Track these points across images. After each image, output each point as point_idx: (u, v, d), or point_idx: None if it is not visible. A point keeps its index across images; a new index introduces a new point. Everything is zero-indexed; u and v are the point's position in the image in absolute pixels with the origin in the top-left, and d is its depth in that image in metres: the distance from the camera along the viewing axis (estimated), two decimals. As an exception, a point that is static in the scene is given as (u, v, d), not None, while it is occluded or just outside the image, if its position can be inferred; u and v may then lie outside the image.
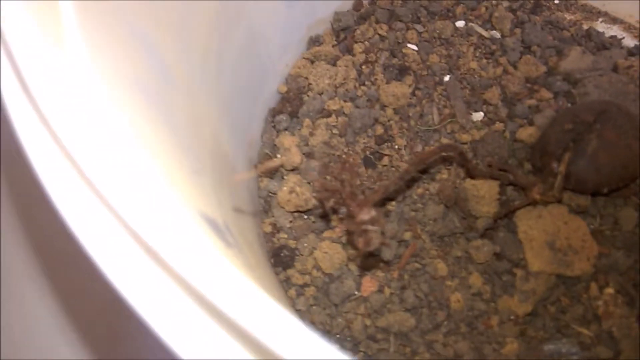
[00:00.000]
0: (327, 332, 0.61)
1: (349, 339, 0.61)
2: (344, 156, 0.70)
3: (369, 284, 0.63)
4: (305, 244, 0.65)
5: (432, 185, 0.67)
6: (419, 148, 0.71)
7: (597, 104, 0.64)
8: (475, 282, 0.63)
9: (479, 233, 0.65)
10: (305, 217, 0.67)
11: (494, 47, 0.77)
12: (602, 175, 0.61)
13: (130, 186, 0.24)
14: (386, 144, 0.71)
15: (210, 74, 0.55)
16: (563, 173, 0.61)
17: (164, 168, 0.34)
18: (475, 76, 0.74)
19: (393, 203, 0.66)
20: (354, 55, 0.76)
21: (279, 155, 0.68)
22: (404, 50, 0.76)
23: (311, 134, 0.70)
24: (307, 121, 0.71)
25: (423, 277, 0.63)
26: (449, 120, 0.71)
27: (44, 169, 0.23)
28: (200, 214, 0.34)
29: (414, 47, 0.77)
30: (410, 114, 0.72)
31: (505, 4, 0.82)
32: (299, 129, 0.71)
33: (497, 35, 0.78)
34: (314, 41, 0.79)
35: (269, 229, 0.67)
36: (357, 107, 0.72)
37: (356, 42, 0.77)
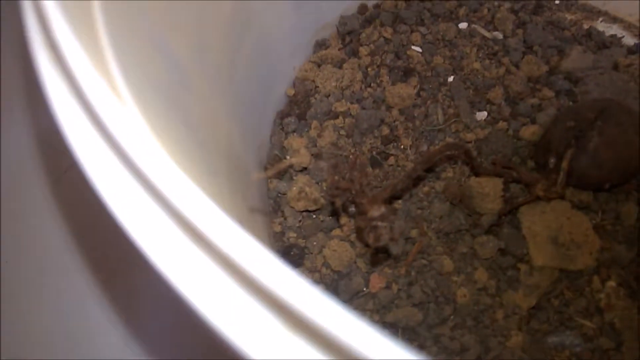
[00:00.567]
0: (338, 327, 0.63)
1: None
2: (351, 156, 0.71)
3: (377, 281, 0.64)
4: (315, 243, 0.67)
5: (438, 184, 0.69)
6: (424, 148, 0.72)
7: (598, 101, 0.66)
8: (480, 277, 0.64)
9: (483, 229, 0.66)
10: (314, 216, 0.69)
11: (496, 47, 0.79)
12: (604, 171, 0.63)
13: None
14: (392, 144, 0.72)
15: (224, 77, 0.57)
16: (566, 170, 0.63)
17: (183, 168, 0.36)
18: (479, 76, 0.76)
19: (400, 201, 0.68)
20: (359, 57, 0.78)
21: (287, 157, 0.70)
22: (408, 52, 0.78)
23: (319, 136, 0.72)
24: (315, 123, 0.73)
25: (430, 273, 0.65)
26: (454, 120, 0.73)
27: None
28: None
29: (418, 49, 0.78)
30: (416, 115, 0.74)
31: (507, 5, 0.83)
32: (307, 131, 0.73)
33: (500, 36, 0.80)
34: (321, 45, 0.81)
35: (278, 228, 0.69)
36: (363, 108, 0.74)
37: (362, 45, 0.79)
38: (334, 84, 0.75)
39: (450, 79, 0.76)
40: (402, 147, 0.73)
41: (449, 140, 0.72)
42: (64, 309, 0.74)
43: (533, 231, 0.64)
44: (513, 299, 0.63)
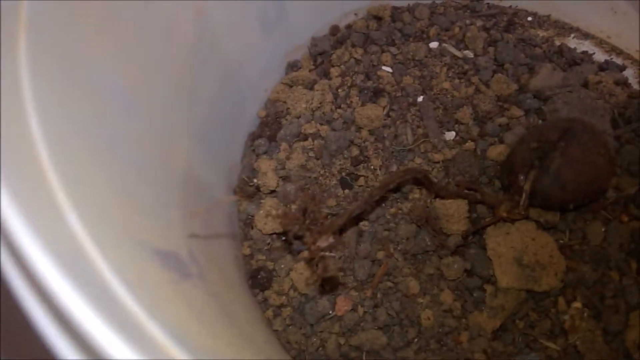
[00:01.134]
0: (302, 351, 0.63)
1: (323, 358, 0.63)
2: (320, 178, 0.72)
3: (343, 303, 0.65)
4: (283, 266, 0.67)
5: (405, 205, 0.69)
6: (394, 168, 0.73)
7: (562, 122, 0.66)
8: (446, 299, 0.65)
9: (450, 250, 0.66)
10: (283, 239, 0.69)
11: (466, 66, 0.79)
12: (567, 192, 0.63)
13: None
14: (362, 164, 0.73)
15: (184, 106, 0.58)
16: (528, 191, 0.63)
17: (120, 208, 0.37)
18: (448, 96, 0.76)
19: (366, 223, 0.69)
20: (330, 78, 0.79)
21: (255, 180, 0.71)
22: (378, 73, 0.79)
23: (288, 158, 0.72)
24: (284, 145, 0.73)
25: (395, 295, 0.65)
26: (422, 140, 0.74)
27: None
28: (153, 251, 0.36)
29: (389, 69, 0.79)
30: (385, 135, 0.74)
31: (479, 23, 0.84)
32: (277, 153, 0.73)
33: (470, 54, 0.80)
34: (292, 66, 0.81)
35: (247, 251, 0.69)
36: (333, 129, 0.74)
37: (333, 66, 0.80)
38: (304, 105, 0.76)
39: (420, 99, 0.76)
40: (372, 167, 0.73)
41: (418, 160, 0.72)
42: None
43: (498, 252, 0.65)
44: (478, 320, 0.63)
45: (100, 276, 0.25)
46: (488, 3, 0.87)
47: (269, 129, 0.76)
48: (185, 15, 0.55)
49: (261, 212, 0.68)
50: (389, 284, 0.66)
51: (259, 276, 0.67)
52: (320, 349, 0.63)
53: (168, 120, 0.52)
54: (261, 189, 0.71)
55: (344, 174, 0.72)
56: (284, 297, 0.66)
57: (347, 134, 0.73)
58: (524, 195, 0.63)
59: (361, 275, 0.65)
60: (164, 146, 0.50)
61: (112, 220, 0.31)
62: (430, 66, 0.79)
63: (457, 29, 0.83)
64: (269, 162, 0.72)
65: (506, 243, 0.65)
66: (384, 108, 0.76)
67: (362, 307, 0.64)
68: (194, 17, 0.56)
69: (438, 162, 0.72)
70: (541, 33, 0.85)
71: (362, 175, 0.72)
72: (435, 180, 0.70)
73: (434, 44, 0.81)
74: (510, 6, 0.87)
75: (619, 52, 0.82)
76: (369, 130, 0.74)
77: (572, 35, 0.85)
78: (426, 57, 0.80)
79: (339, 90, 0.78)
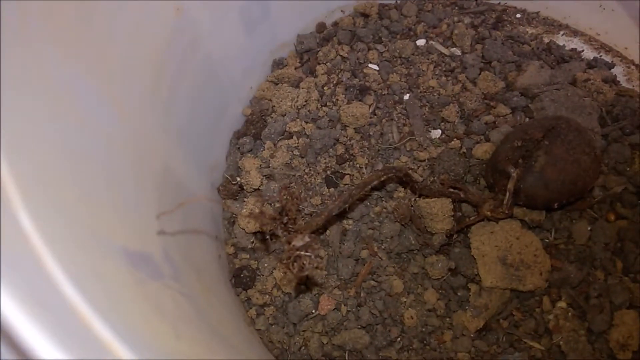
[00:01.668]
0: (285, 351, 0.63)
1: (305, 357, 0.62)
2: (305, 177, 0.71)
3: (326, 302, 0.64)
4: (266, 265, 0.67)
5: (390, 203, 0.69)
6: (379, 166, 0.72)
7: (547, 120, 0.65)
8: (430, 298, 0.64)
9: (434, 249, 0.66)
10: (267, 237, 0.69)
11: (453, 64, 0.78)
12: (551, 191, 0.62)
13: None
14: (347, 163, 0.72)
15: (161, 106, 0.57)
16: (512, 190, 0.62)
17: (85, 208, 0.36)
18: (435, 94, 0.76)
19: (350, 222, 0.68)
20: (316, 76, 0.78)
21: (238, 178, 0.70)
22: (365, 70, 0.78)
23: (272, 156, 0.72)
24: (268, 143, 0.73)
25: (379, 294, 0.64)
26: (408, 138, 0.73)
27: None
28: (121, 251, 0.36)
29: (375, 67, 0.78)
30: (371, 133, 0.74)
31: (467, 20, 0.83)
32: (262, 151, 0.73)
33: (458, 52, 0.80)
34: (278, 64, 0.81)
35: (231, 250, 0.69)
36: (318, 127, 0.73)
37: (319, 64, 0.79)
38: (289, 103, 0.75)
39: (406, 96, 0.76)
40: (357, 165, 0.73)
41: (404, 158, 0.72)
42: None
43: (482, 251, 0.64)
44: (462, 320, 0.63)
45: (46, 275, 0.24)
46: (477, 0, 0.86)
47: (254, 127, 0.76)
48: (163, 13, 0.54)
49: (244, 211, 0.67)
50: (373, 283, 0.65)
51: (242, 275, 0.66)
52: (303, 348, 0.63)
53: (143, 121, 0.52)
54: (245, 188, 0.70)
55: (329, 172, 0.72)
56: (267, 296, 0.66)
57: (333, 132, 0.73)
58: (507, 194, 0.62)
59: (345, 274, 0.65)
60: (138, 147, 0.50)
61: (71, 220, 0.31)
62: (417, 64, 0.78)
63: (444, 26, 0.82)
64: (253, 161, 0.71)
65: (490, 242, 0.64)
66: (370, 106, 0.75)
67: (345, 306, 0.64)
68: (172, 15, 0.56)
69: (423, 161, 0.71)
70: (530, 30, 0.84)
71: (348, 174, 0.72)
72: (421, 178, 0.70)
73: (421, 42, 0.81)
74: (499, 3, 0.87)
75: (608, 50, 0.82)
76: (354, 129, 0.74)
77: (562, 32, 0.84)
78: (413, 54, 0.79)
79: (325, 88, 0.77)
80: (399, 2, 0.85)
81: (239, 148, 0.75)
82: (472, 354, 0.62)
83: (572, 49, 0.81)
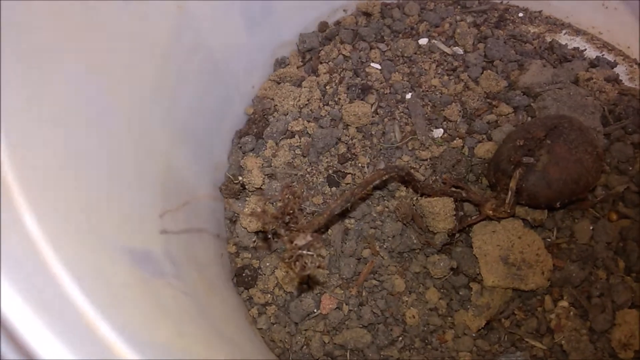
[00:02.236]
0: (286, 350, 0.63)
1: (307, 356, 0.62)
2: (307, 176, 0.71)
3: (328, 302, 0.64)
4: (268, 264, 0.67)
5: (391, 203, 0.69)
6: (381, 165, 0.72)
7: (549, 119, 0.65)
8: (431, 297, 0.64)
9: (436, 248, 0.66)
10: (269, 236, 0.69)
11: (456, 63, 0.78)
12: (553, 190, 0.62)
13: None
14: (349, 162, 0.72)
15: (164, 104, 0.57)
16: (514, 189, 0.62)
17: (94, 207, 0.36)
18: (437, 93, 0.76)
19: (352, 221, 0.68)
20: (318, 75, 0.78)
21: (240, 178, 0.70)
22: (367, 70, 0.78)
23: (274, 155, 0.72)
24: (270, 142, 0.73)
25: (380, 293, 0.65)
26: (410, 137, 0.73)
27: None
28: (123, 249, 0.36)
29: (377, 66, 0.78)
30: (373, 132, 0.74)
31: (470, 19, 0.83)
32: (264, 150, 0.73)
33: (460, 51, 0.80)
34: (281, 63, 0.81)
35: (233, 249, 0.69)
36: (320, 127, 0.73)
37: (321, 63, 0.79)
38: (291, 102, 0.75)
39: (408, 95, 0.76)
40: (359, 165, 0.72)
41: (406, 157, 0.72)
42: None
43: (483, 250, 0.64)
44: (464, 319, 0.63)
45: (48, 273, 0.24)
46: (479, -1, 0.86)
47: (256, 126, 0.76)
48: (165, 12, 0.54)
49: (246, 210, 0.67)
50: (375, 282, 0.65)
51: (244, 274, 0.66)
52: (305, 347, 0.63)
53: (145, 120, 0.52)
54: (247, 187, 0.70)
55: (331, 171, 0.72)
56: (268, 295, 0.66)
57: (335, 131, 0.73)
58: (509, 194, 0.62)
59: (347, 273, 0.65)
60: (140, 146, 0.50)
61: (73, 219, 0.31)
62: (419, 63, 0.78)
63: (447, 25, 0.82)
64: (255, 160, 0.71)
65: (492, 241, 0.64)
66: (372, 105, 0.75)
67: (347, 305, 0.64)
68: (174, 14, 0.56)
69: (425, 160, 0.71)
70: (532, 29, 0.84)
71: (350, 173, 0.72)
72: (423, 177, 0.70)
73: (423, 41, 0.80)
74: (502, 2, 0.87)
75: (611, 49, 0.81)
76: (356, 128, 0.74)
77: (564, 31, 0.84)
78: (415, 53, 0.79)
79: (327, 87, 0.77)
80: (401, 1, 0.85)
81: (241, 147, 0.75)
82: (474, 353, 0.62)
83: (575, 48, 0.81)
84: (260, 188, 0.70)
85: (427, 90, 0.76)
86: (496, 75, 0.76)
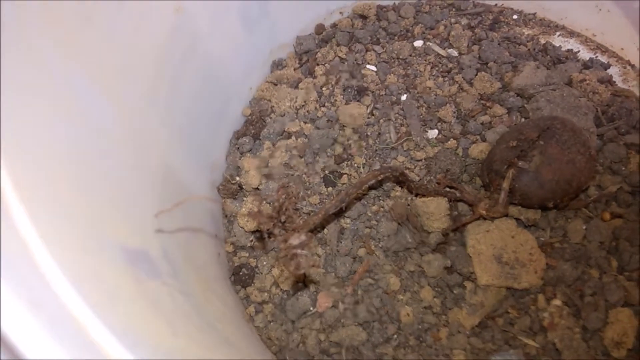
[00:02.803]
0: (283, 347, 0.64)
1: (303, 354, 0.63)
2: (303, 176, 0.72)
3: (324, 300, 0.65)
4: (265, 263, 0.68)
5: (387, 202, 0.70)
6: (377, 166, 0.73)
7: (542, 120, 0.66)
8: (426, 296, 0.65)
9: (431, 248, 0.67)
10: (264, 236, 0.70)
11: (450, 65, 0.79)
12: (546, 190, 0.63)
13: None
14: (345, 162, 0.73)
15: (161, 105, 0.58)
16: (507, 189, 0.63)
17: (91, 207, 0.37)
18: (431, 94, 0.77)
19: (348, 221, 0.69)
20: (315, 77, 0.79)
21: (237, 178, 0.71)
22: (363, 71, 0.79)
23: (271, 156, 0.73)
24: (267, 143, 0.74)
25: (375, 292, 0.65)
26: (405, 138, 0.74)
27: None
28: (119, 248, 0.37)
29: (373, 68, 0.79)
30: (369, 133, 0.75)
31: (464, 21, 0.84)
32: (261, 151, 0.74)
33: (455, 53, 0.81)
34: (278, 65, 0.82)
35: (230, 248, 0.70)
36: (317, 128, 0.74)
37: (318, 65, 0.80)
38: (288, 103, 0.76)
39: (404, 97, 0.77)
40: (355, 165, 0.73)
41: (401, 158, 0.73)
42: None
43: (477, 250, 0.65)
44: (458, 317, 0.64)
45: (43, 273, 0.25)
46: (474, 1, 0.87)
47: (254, 127, 0.76)
48: (163, 13, 0.55)
49: (243, 210, 0.68)
50: (370, 280, 0.66)
51: (241, 273, 0.67)
52: (301, 345, 0.64)
53: (143, 120, 0.52)
54: (244, 187, 0.71)
55: (327, 171, 0.73)
56: (265, 294, 0.67)
57: (331, 132, 0.74)
58: (502, 194, 0.63)
59: (342, 272, 0.66)
60: (138, 146, 0.51)
61: (69, 218, 0.31)
62: (414, 65, 0.79)
63: (441, 28, 0.83)
64: (252, 160, 0.72)
65: (486, 241, 0.65)
66: (367, 106, 0.76)
67: (342, 303, 0.65)
68: (172, 15, 0.56)
69: (420, 160, 0.72)
70: (526, 31, 0.85)
71: (346, 173, 0.73)
72: (418, 178, 0.70)
73: (418, 43, 0.81)
74: (496, 4, 0.88)
75: (604, 50, 0.82)
76: (352, 129, 0.75)
77: (558, 33, 0.85)
78: (410, 55, 0.80)
79: (324, 88, 0.78)
80: (396, 3, 0.86)
81: (238, 148, 0.76)
82: (468, 351, 0.62)
83: (568, 50, 0.82)
84: (257, 188, 0.71)
85: (422, 92, 0.77)
86: (490, 76, 0.77)
